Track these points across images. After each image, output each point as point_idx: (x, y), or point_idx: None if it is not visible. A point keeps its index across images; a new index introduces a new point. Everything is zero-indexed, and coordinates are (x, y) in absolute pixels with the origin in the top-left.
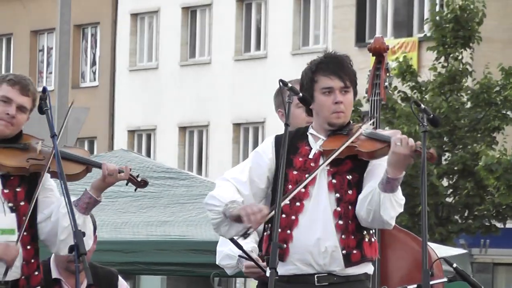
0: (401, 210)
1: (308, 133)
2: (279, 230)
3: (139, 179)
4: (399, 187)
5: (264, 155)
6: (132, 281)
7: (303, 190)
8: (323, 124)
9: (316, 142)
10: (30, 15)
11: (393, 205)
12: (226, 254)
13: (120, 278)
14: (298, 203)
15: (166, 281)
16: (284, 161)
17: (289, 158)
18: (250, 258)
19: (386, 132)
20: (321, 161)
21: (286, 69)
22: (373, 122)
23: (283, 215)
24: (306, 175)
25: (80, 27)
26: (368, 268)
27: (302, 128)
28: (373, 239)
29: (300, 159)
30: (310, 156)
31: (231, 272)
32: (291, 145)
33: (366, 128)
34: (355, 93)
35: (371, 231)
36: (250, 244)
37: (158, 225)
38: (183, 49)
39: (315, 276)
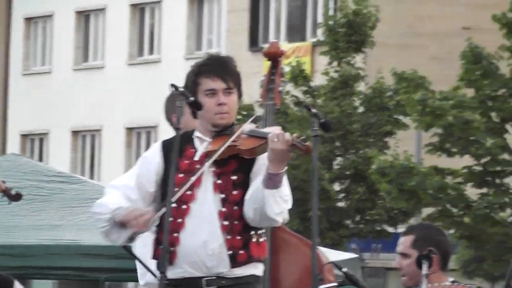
0: (288, 206)
1: (193, 136)
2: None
3: (13, 192)
4: (284, 183)
5: (152, 159)
6: (23, 285)
7: (189, 192)
8: (207, 125)
9: (201, 144)
10: None
11: (277, 201)
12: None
13: (16, 283)
14: (184, 206)
15: (58, 285)
16: (174, 165)
17: (175, 161)
18: (143, 264)
19: (266, 129)
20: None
21: (180, 74)
22: (255, 120)
23: (170, 218)
24: (192, 177)
25: None
26: (256, 270)
27: (188, 131)
28: (261, 240)
29: (186, 161)
30: (196, 158)
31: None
32: (177, 148)
33: (248, 126)
34: (240, 95)
35: (259, 231)
36: None
37: (49, 229)
38: (77, 53)
39: (204, 279)
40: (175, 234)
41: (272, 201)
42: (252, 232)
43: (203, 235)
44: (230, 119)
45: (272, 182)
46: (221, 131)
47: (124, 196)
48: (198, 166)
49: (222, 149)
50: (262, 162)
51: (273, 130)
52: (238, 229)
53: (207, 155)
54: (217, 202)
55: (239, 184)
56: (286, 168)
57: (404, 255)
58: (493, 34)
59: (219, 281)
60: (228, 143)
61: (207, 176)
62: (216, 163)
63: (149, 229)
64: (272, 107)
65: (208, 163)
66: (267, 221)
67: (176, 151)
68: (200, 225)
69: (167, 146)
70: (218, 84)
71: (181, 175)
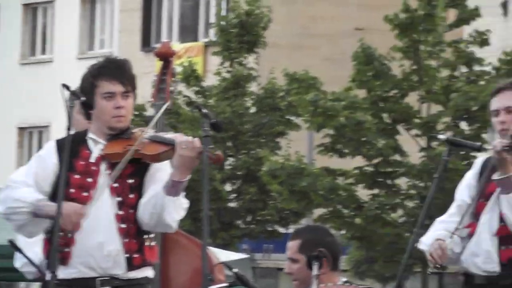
0: (184, 213)
1: (87, 137)
2: (62, 234)
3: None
4: (183, 191)
5: (48, 159)
6: None
7: (85, 194)
8: (103, 128)
9: (96, 146)
10: None
11: (176, 209)
12: (25, 263)
13: None
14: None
15: None
16: (66, 165)
17: (70, 161)
18: (31, 262)
19: (169, 135)
20: (102, 165)
21: (72, 74)
22: (155, 126)
23: None
24: (88, 179)
25: None
26: (149, 272)
27: (80, 132)
28: (152, 243)
29: (82, 162)
30: (92, 160)
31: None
32: (71, 148)
33: (148, 131)
34: (135, 98)
35: (150, 235)
36: None
37: None
38: None
39: (98, 279)
40: (70, 235)
41: (172, 208)
42: (145, 236)
43: (99, 236)
44: (127, 123)
45: (174, 189)
46: (116, 134)
47: (35, 189)
48: (94, 168)
49: (128, 157)
50: (157, 167)
51: (177, 137)
52: (133, 232)
53: (103, 157)
54: (114, 205)
55: (135, 187)
56: (189, 177)
57: (293, 260)
58: (385, 35)
59: (112, 282)
60: (132, 151)
61: (103, 179)
62: (111, 166)
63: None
64: (163, 107)
65: (121, 166)
66: (162, 227)
67: (68, 150)
68: (96, 227)
69: (61, 146)
70: (117, 88)
71: (77, 176)
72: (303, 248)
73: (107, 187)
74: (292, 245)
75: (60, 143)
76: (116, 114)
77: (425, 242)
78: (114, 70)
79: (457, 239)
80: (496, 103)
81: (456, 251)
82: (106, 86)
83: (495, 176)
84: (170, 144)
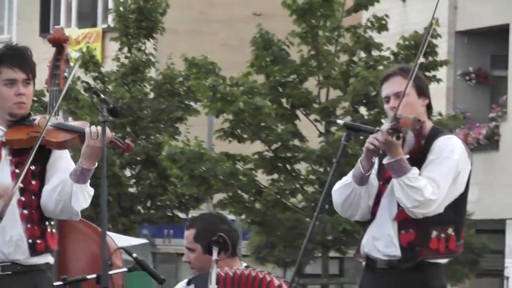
0: (89, 200)
1: None
2: None
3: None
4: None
5: None
6: None
7: None
8: (3, 114)
9: None
10: None
11: (85, 196)
12: None
13: None
14: None
15: None
16: None
17: None
18: None
19: (75, 123)
20: (3, 151)
21: None
22: (56, 113)
23: None
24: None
25: None
26: (49, 258)
27: None
28: (53, 230)
29: None
30: None
31: None
32: None
33: (52, 118)
34: (34, 85)
35: (52, 222)
36: None
37: None
38: None
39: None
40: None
41: (80, 196)
42: (47, 223)
43: (1, 222)
44: (27, 109)
45: (83, 177)
46: (17, 121)
47: None
48: None
49: (37, 144)
50: (58, 155)
51: (84, 125)
52: (36, 218)
53: (4, 143)
54: (16, 191)
55: (38, 174)
56: (96, 164)
57: (190, 249)
58: (283, 21)
59: (14, 267)
60: (40, 137)
61: (4, 165)
62: (13, 152)
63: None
64: (58, 92)
65: (31, 154)
66: (68, 215)
67: None
68: None
69: None
70: (18, 75)
71: None
72: (198, 237)
73: (9, 174)
74: (188, 235)
75: None
76: (17, 100)
77: (342, 180)
78: (15, 57)
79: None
80: (386, 89)
81: (374, 184)
82: (7, 73)
83: (385, 160)
84: (77, 132)
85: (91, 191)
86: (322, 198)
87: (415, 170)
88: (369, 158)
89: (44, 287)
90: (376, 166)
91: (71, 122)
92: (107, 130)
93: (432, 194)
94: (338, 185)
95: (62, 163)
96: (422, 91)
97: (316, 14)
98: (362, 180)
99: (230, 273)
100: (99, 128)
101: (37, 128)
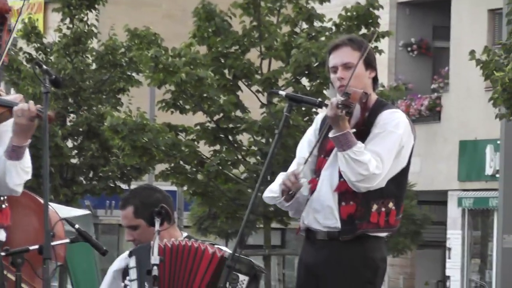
0: (28, 176)
1: None
2: None
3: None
4: (26, 154)
5: None
6: None
7: None
8: None
9: None
10: None
11: (18, 173)
12: None
13: None
14: None
15: None
16: None
17: None
18: None
19: (9, 97)
20: None
21: None
22: None
23: None
24: None
25: None
26: (1, 235)
27: None
28: (4, 206)
29: None
30: None
31: None
32: None
33: None
34: None
35: (1, 198)
36: None
37: None
38: None
39: None
40: None
41: (14, 173)
42: None
43: None
44: None
45: (15, 153)
46: None
47: None
48: None
49: None
50: (4, 129)
51: (16, 99)
52: None
53: None
54: None
55: None
56: (30, 140)
57: (133, 227)
58: None
59: None
60: None
61: None
62: None
63: None
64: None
65: None
66: (7, 191)
67: None
68: None
69: None
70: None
71: None
72: (139, 212)
73: None
74: (127, 214)
75: None
76: None
77: (272, 189)
78: None
79: (306, 182)
80: (333, 59)
81: (304, 194)
82: None
83: (331, 134)
84: (7, 106)
85: (27, 167)
86: (264, 169)
87: (360, 144)
88: (288, 199)
89: None
90: (309, 138)
91: (6, 96)
92: (32, 107)
93: (376, 168)
94: (267, 193)
95: (5, 138)
96: (370, 64)
97: None
98: (291, 199)
99: (168, 244)
100: (24, 105)
101: None
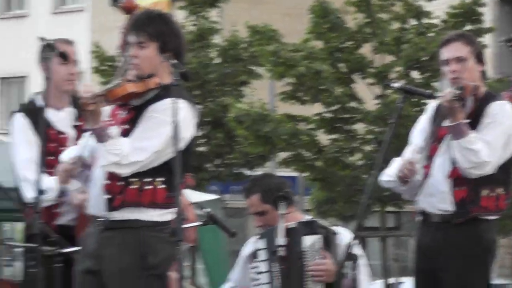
0: (117, 158)
1: None
2: None
3: None
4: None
5: None
6: None
7: None
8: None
9: None
10: None
11: (103, 156)
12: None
13: None
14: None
15: None
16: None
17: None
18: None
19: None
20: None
21: (47, 27)
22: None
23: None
24: None
25: None
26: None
27: None
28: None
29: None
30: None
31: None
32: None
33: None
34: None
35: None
36: None
37: None
38: None
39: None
40: None
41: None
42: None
43: None
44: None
45: (96, 137)
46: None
47: None
48: None
49: None
50: None
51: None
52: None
53: None
54: None
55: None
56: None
57: (261, 213)
58: None
59: (105, 223)
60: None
61: None
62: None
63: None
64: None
65: None
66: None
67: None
68: None
69: None
70: (132, 38)
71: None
72: (265, 198)
73: None
74: (253, 201)
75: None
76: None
77: (388, 173)
78: (131, 22)
79: (420, 167)
80: (446, 53)
81: (418, 178)
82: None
83: (446, 123)
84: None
85: (114, 149)
86: (381, 155)
87: (473, 134)
88: (404, 184)
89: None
90: (422, 126)
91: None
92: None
93: (487, 156)
94: (384, 177)
95: None
96: (480, 58)
97: None
98: (406, 183)
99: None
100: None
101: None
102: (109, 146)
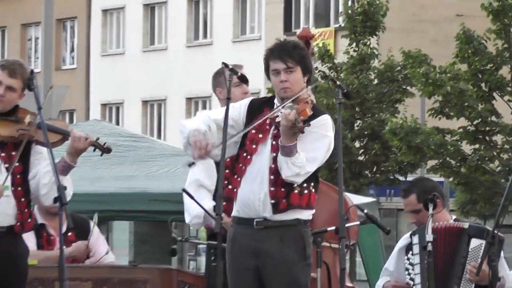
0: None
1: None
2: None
3: (104, 145)
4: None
5: (238, 109)
6: (105, 225)
7: (254, 146)
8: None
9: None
10: (20, 11)
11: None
12: (194, 215)
13: (92, 223)
14: (248, 156)
15: (134, 225)
16: (226, 123)
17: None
18: (202, 207)
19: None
20: None
21: (228, 54)
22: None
23: (240, 165)
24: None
25: (61, 21)
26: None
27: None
28: (305, 192)
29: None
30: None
31: (198, 228)
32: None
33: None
34: (305, 71)
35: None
36: (210, 203)
37: (125, 179)
38: (145, 38)
39: (255, 220)
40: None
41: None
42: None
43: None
44: (292, 92)
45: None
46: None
47: (204, 122)
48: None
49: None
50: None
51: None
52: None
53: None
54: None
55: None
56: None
57: (416, 211)
58: (481, 20)
59: (265, 222)
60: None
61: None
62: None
63: (203, 159)
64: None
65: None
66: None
67: (227, 117)
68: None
69: (252, 105)
70: (279, 65)
71: (253, 132)
72: (420, 198)
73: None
74: (411, 200)
75: (252, 102)
76: (281, 86)
77: None
78: (276, 50)
79: None
80: None
81: None
82: (272, 64)
83: None
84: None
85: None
86: None
87: None
88: None
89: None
90: None
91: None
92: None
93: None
94: None
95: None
96: None
97: (508, 14)
98: None
99: (441, 225)
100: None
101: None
102: (296, 160)
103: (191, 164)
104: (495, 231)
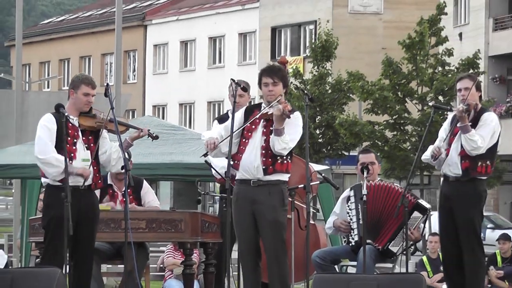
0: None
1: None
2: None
3: (154, 134)
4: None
5: (240, 117)
6: (154, 184)
7: (249, 134)
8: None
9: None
10: (100, 45)
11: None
12: (221, 167)
13: (144, 182)
14: (246, 140)
15: (173, 184)
16: (232, 122)
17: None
18: (217, 172)
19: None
20: None
21: (235, 73)
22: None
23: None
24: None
25: (127, 52)
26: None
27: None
28: (285, 162)
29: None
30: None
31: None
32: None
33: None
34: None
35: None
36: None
37: (167, 154)
38: (181, 63)
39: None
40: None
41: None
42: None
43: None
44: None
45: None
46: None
47: (217, 132)
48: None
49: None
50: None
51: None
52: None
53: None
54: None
55: None
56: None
57: (372, 163)
58: (398, 51)
59: (258, 182)
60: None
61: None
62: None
63: (212, 151)
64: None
65: None
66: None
67: (233, 118)
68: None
69: (246, 110)
70: (268, 80)
71: (248, 125)
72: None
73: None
74: (371, 155)
75: (246, 108)
76: (268, 94)
77: (426, 154)
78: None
79: (444, 151)
80: (459, 85)
81: (443, 156)
82: (263, 79)
83: (459, 124)
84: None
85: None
86: None
87: (473, 130)
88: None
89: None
90: (446, 127)
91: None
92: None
93: (481, 143)
94: (423, 156)
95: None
96: (478, 88)
97: (416, 47)
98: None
99: (373, 183)
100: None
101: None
102: (284, 138)
103: (205, 155)
104: (407, 188)
